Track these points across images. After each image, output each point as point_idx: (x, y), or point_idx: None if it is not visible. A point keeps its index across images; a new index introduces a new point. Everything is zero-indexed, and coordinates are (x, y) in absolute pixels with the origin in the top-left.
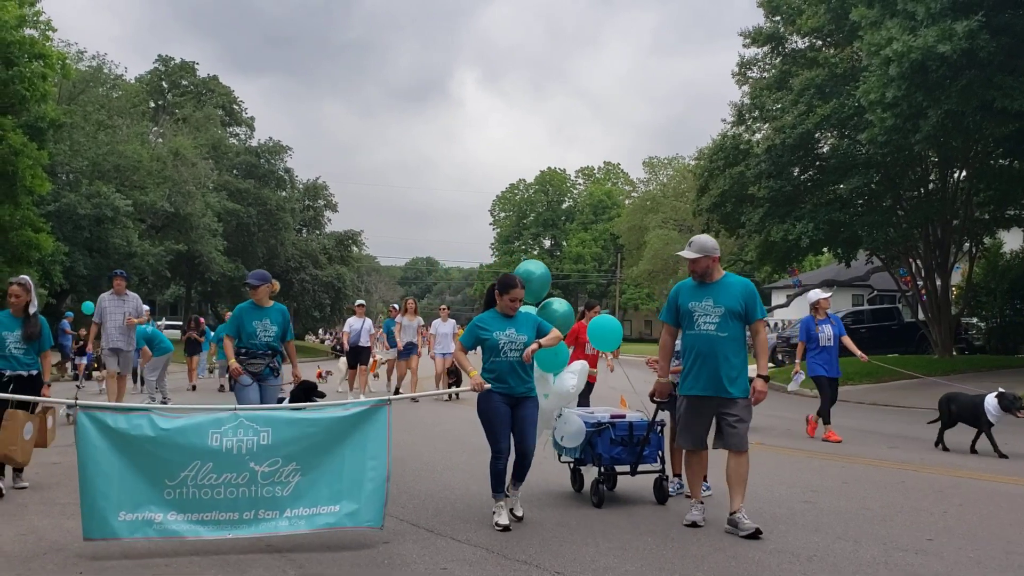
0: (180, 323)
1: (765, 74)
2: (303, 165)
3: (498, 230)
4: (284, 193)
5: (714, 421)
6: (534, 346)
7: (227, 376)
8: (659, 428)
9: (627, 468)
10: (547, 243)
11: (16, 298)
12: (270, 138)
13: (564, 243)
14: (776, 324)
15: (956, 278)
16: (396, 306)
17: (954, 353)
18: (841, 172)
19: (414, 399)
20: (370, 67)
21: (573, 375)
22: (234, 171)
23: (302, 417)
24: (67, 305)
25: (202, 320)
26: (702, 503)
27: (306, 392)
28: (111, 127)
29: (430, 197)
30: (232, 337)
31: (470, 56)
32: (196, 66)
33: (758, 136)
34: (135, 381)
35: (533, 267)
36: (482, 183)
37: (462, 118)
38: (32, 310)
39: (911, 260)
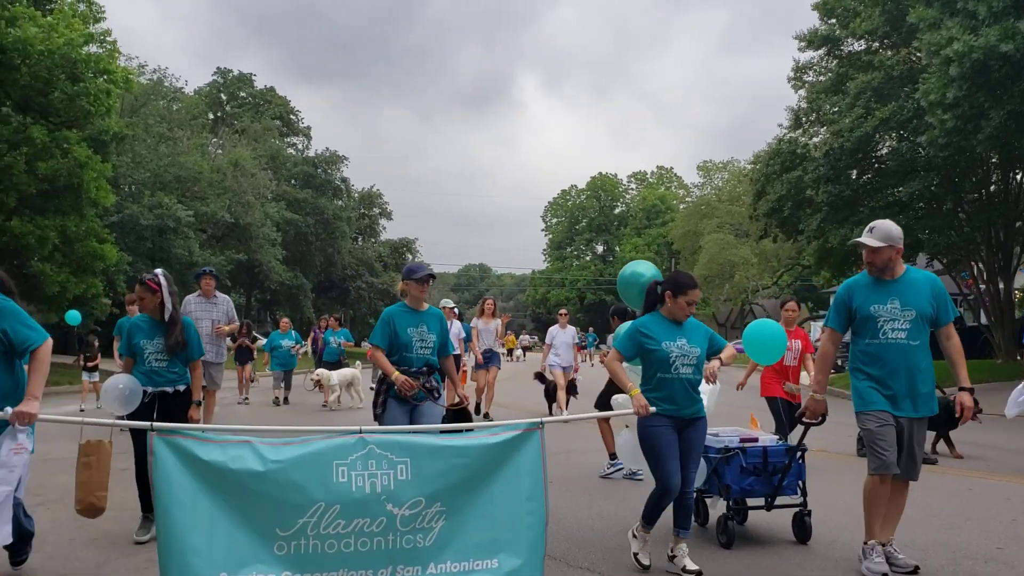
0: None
1: (821, 77)
2: (362, 171)
3: (550, 236)
4: (340, 202)
5: None
6: (716, 363)
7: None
8: (800, 454)
9: (761, 501)
10: (600, 249)
11: (142, 301)
12: (327, 148)
13: (617, 248)
14: None
15: (1020, 281)
16: (454, 307)
17: (1018, 357)
18: (900, 175)
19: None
20: (432, 72)
21: (703, 395)
22: (292, 181)
23: (447, 445)
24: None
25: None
26: (883, 544)
27: (458, 416)
28: (172, 139)
29: (486, 203)
30: (383, 349)
31: (533, 60)
32: (254, 77)
33: (815, 140)
34: None
35: (643, 268)
36: (541, 188)
37: (522, 123)
38: (167, 313)
39: (973, 263)
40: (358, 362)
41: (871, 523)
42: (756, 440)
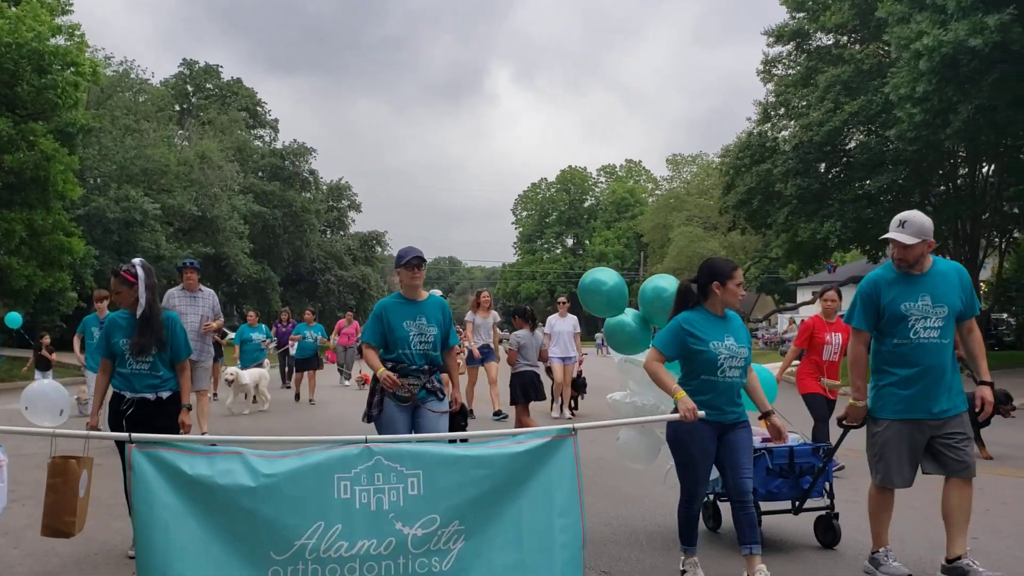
0: None
1: (790, 71)
2: (334, 164)
3: (520, 229)
4: (309, 195)
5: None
6: (781, 423)
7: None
8: (829, 455)
9: (784, 505)
10: (570, 242)
11: (117, 295)
12: (294, 140)
13: (587, 242)
14: (802, 321)
15: (986, 273)
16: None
17: None
18: (869, 168)
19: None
20: (405, 64)
21: None
22: (259, 173)
23: (465, 455)
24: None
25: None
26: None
27: (452, 420)
28: (138, 131)
29: (458, 196)
30: (375, 347)
31: (506, 51)
32: (220, 69)
33: (784, 133)
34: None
35: (604, 276)
36: (513, 181)
37: (495, 115)
38: (140, 309)
39: (940, 255)
40: (266, 362)
41: (878, 530)
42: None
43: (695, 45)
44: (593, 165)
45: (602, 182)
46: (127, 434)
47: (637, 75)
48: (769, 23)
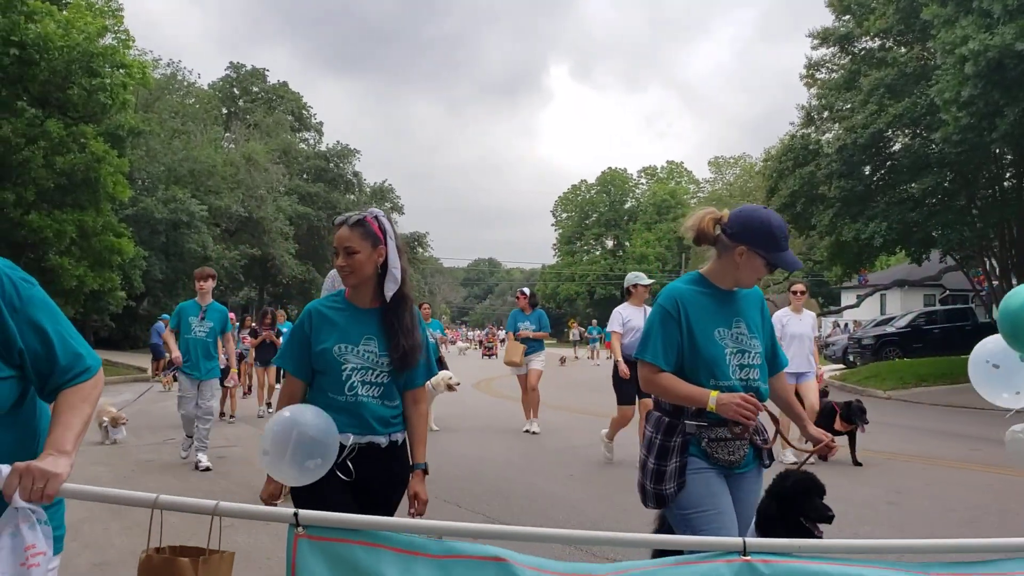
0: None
1: (834, 74)
2: (383, 164)
3: (560, 231)
4: (352, 196)
5: None
6: None
7: None
8: None
9: None
10: (609, 243)
11: (350, 258)
12: (338, 142)
13: (627, 243)
14: (846, 324)
15: None
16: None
17: None
18: (914, 171)
19: None
20: (462, 62)
21: None
22: (304, 175)
23: None
24: (145, 308)
25: (280, 314)
26: None
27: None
28: (185, 133)
29: (504, 195)
30: (664, 369)
31: (565, 48)
32: (267, 72)
33: (828, 136)
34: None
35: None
36: (562, 180)
37: (548, 113)
38: (393, 288)
39: (986, 259)
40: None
41: None
42: None
43: (760, 41)
44: (643, 163)
45: (643, 184)
46: (293, 512)
47: (696, 72)
48: (809, 28)
